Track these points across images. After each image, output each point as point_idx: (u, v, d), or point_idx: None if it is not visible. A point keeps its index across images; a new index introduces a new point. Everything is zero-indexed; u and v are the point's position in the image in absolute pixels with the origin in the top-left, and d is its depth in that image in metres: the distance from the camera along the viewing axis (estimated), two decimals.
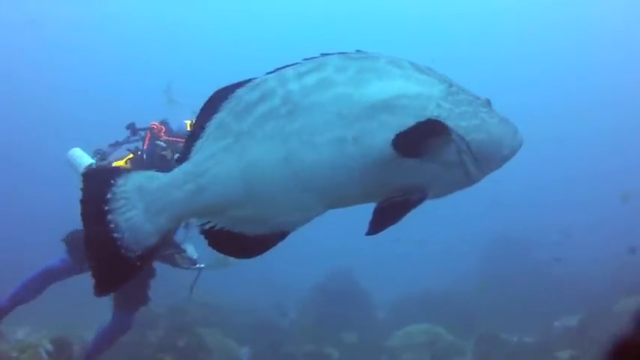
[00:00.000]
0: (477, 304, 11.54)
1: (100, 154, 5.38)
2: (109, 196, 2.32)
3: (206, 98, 2.36)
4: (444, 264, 14.98)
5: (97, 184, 2.36)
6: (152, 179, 2.34)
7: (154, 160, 5.04)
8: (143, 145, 5.23)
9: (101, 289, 2.37)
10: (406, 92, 2.21)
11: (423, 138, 2.15)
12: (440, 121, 2.17)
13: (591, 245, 13.98)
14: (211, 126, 2.30)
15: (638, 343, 0.97)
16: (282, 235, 2.32)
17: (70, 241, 5.38)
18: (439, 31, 30.03)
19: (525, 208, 18.49)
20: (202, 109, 2.34)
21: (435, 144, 2.18)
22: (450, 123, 2.20)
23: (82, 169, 5.21)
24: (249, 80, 2.32)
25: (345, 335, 9.39)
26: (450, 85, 2.29)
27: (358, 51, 2.33)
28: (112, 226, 2.30)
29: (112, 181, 2.33)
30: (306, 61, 2.29)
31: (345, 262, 12.71)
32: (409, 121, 2.16)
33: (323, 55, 2.30)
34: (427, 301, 11.59)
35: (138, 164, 5.11)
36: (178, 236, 5.21)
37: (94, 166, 2.83)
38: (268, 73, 2.31)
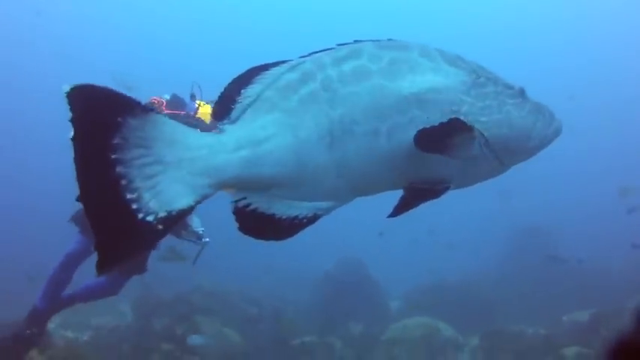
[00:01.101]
0: (491, 295, 11.42)
1: None
2: (116, 140, 1.93)
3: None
4: (462, 255, 14.85)
5: (97, 118, 1.94)
6: (188, 133, 2.08)
7: None
8: None
9: (106, 262, 1.96)
10: (434, 86, 2.25)
11: (445, 137, 2.18)
12: (463, 121, 2.21)
13: (610, 238, 13.72)
14: (249, 97, 2.23)
15: (638, 342, 0.96)
16: (312, 220, 2.27)
17: (79, 219, 5.33)
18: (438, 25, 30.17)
19: (547, 199, 18.28)
20: (233, 81, 2.26)
21: (457, 142, 2.21)
22: (470, 118, 2.25)
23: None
24: (283, 61, 2.29)
25: (351, 325, 9.33)
26: (478, 77, 2.33)
27: (390, 39, 2.35)
28: (124, 183, 1.93)
29: (120, 119, 1.94)
30: (340, 46, 2.30)
31: (357, 251, 12.62)
32: (436, 117, 2.22)
33: (356, 41, 2.31)
34: (441, 292, 11.48)
35: None
36: None
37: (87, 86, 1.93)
38: (302, 57, 2.31)
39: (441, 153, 2.22)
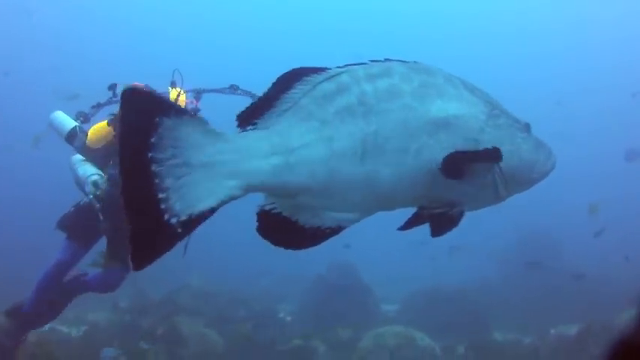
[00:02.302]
0: (485, 303, 11.35)
1: (82, 117, 5.36)
2: (153, 140, 2.01)
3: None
4: (462, 261, 14.79)
5: (140, 119, 2.03)
6: (221, 135, 2.11)
7: None
8: None
9: (140, 260, 2.02)
10: (460, 113, 2.35)
11: (470, 162, 2.33)
12: (496, 149, 2.33)
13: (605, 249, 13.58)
14: (286, 102, 2.25)
15: (639, 342, 0.94)
16: (336, 231, 2.31)
17: (66, 225, 5.30)
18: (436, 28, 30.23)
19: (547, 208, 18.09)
20: (274, 84, 2.28)
21: (479, 168, 2.36)
22: (493, 145, 2.35)
23: (67, 130, 5.22)
24: (320, 69, 2.32)
25: (340, 330, 9.29)
26: (493, 108, 2.44)
27: (416, 62, 2.43)
28: (157, 181, 1.99)
29: (158, 119, 2.02)
30: (373, 62, 2.36)
31: (354, 255, 12.58)
32: (459, 142, 2.32)
33: (386, 59, 2.38)
34: (435, 299, 11.43)
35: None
36: None
37: (136, 88, 2.09)
38: (338, 67, 2.35)
39: (461, 178, 2.32)
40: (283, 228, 2.23)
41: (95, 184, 5.03)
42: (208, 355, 7.24)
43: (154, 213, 1.98)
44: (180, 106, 2.23)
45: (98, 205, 5.01)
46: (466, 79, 2.50)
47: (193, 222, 2.02)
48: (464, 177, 2.33)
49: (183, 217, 2.00)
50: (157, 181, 1.98)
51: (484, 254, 14.99)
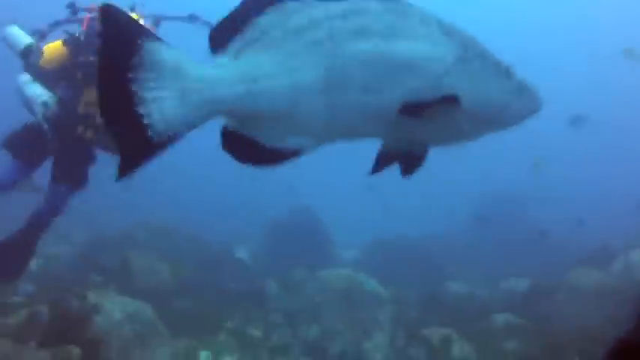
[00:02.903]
0: (443, 256, 11.51)
1: (39, 34, 5.25)
2: (135, 60, 2.11)
3: None
4: (425, 216, 14.96)
5: (122, 38, 2.11)
6: (192, 64, 2.21)
7: (94, 43, 4.88)
8: (82, 27, 5.09)
9: (126, 167, 2.14)
10: (426, 55, 2.38)
11: (430, 106, 2.35)
12: (451, 96, 2.37)
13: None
14: (256, 30, 2.32)
15: (639, 342, 0.96)
16: (295, 154, 2.40)
17: (11, 144, 5.24)
18: None
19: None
20: (243, 4, 2.33)
21: (440, 111, 2.38)
22: (454, 90, 2.39)
23: (23, 46, 5.10)
24: None
25: (294, 273, 9.33)
26: (467, 51, 2.45)
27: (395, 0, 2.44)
28: (136, 99, 2.09)
29: (140, 42, 2.11)
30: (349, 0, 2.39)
31: (316, 201, 12.66)
32: (422, 84, 2.37)
33: None
34: (394, 248, 11.56)
35: (76, 47, 4.98)
36: None
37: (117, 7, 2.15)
38: None
39: (422, 118, 2.37)
40: (245, 146, 2.34)
41: (45, 104, 4.95)
42: (158, 291, 7.25)
43: (137, 126, 2.09)
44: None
45: (47, 126, 4.96)
46: (447, 20, 2.50)
47: (174, 140, 2.15)
48: (423, 118, 2.38)
49: (166, 135, 2.12)
50: (136, 98, 2.08)
51: (450, 209, 15.16)
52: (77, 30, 5.11)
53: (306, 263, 8.53)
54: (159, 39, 2.17)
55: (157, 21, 5.34)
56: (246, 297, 7.85)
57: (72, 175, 5.22)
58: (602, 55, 23.85)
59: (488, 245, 12.31)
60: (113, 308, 5.50)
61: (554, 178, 16.37)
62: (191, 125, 2.19)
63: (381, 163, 2.61)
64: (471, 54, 2.47)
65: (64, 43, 5.03)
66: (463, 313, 8.09)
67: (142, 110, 2.09)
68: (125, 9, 5.12)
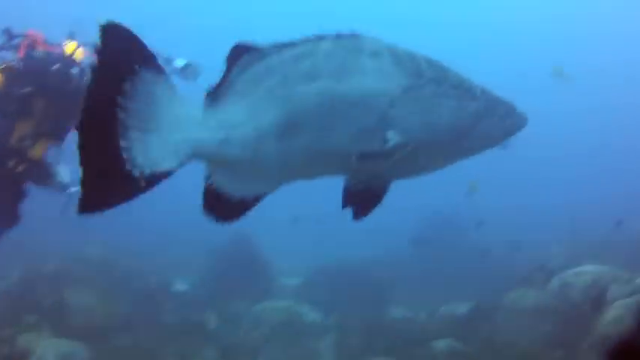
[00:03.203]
0: (386, 281, 11.53)
1: None
2: (127, 86, 2.05)
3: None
4: (367, 240, 14.99)
5: (120, 60, 2.06)
6: (182, 104, 2.27)
7: (33, 71, 4.76)
8: (19, 54, 4.95)
9: (89, 204, 2.01)
10: (371, 91, 2.40)
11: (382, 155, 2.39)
12: (402, 143, 2.38)
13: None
14: (228, 82, 2.43)
15: (638, 343, 0.95)
16: (256, 200, 2.50)
17: None
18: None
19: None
20: (225, 61, 2.43)
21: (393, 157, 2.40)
22: (396, 122, 2.40)
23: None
24: (256, 48, 2.45)
25: (234, 304, 9.23)
26: (420, 78, 2.45)
27: (351, 35, 2.48)
28: (121, 130, 2.02)
29: (138, 68, 2.08)
30: (303, 42, 2.45)
31: (258, 229, 12.56)
32: (367, 120, 2.39)
33: (318, 36, 2.46)
34: (337, 275, 11.51)
35: (11, 76, 4.83)
36: (50, 157, 4.98)
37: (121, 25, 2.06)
38: (274, 45, 2.47)
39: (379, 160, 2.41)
40: (219, 201, 2.42)
41: None
42: (94, 329, 7.10)
43: (115, 159, 2.00)
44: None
45: None
46: (402, 48, 2.52)
47: (156, 178, 2.10)
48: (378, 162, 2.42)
49: (147, 172, 2.06)
50: (121, 128, 2.00)
51: (392, 233, 15.22)
52: (14, 57, 4.99)
53: (247, 293, 8.47)
54: (159, 69, 2.17)
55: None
56: (185, 331, 7.71)
57: (2, 212, 5.07)
58: (530, 74, 24.41)
59: (428, 268, 12.38)
60: (46, 352, 5.36)
61: (491, 200, 16.69)
62: (171, 164, 2.16)
63: (347, 199, 2.63)
64: (424, 80, 2.46)
65: (1, 71, 4.89)
66: (405, 339, 8.09)
67: (123, 143, 2.01)
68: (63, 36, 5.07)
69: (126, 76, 2.03)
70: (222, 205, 2.41)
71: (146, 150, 2.06)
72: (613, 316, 6.16)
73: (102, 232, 10.45)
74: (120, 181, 2.01)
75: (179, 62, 5.30)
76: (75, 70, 4.87)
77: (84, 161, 1.97)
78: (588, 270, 7.79)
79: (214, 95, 2.39)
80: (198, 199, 2.43)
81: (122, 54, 2.06)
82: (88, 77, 2.06)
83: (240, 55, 2.42)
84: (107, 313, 7.70)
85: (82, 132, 1.98)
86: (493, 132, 2.58)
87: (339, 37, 2.45)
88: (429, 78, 2.47)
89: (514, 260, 11.35)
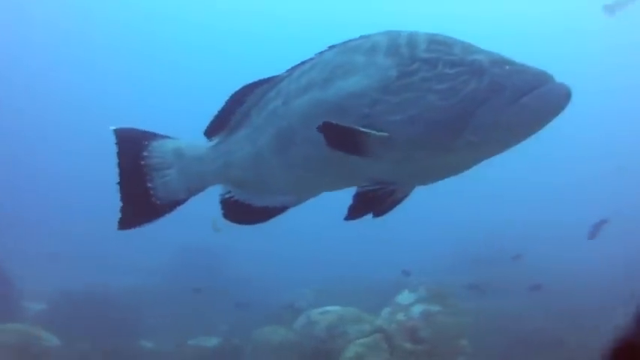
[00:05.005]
0: (138, 311, 11.29)
1: None
2: (145, 153, 2.82)
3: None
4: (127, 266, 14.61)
5: (132, 143, 2.85)
6: (188, 148, 2.89)
7: None
8: None
9: (127, 223, 2.82)
10: (354, 91, 2.36)
11: (347, 142, 2.29)
12: (361, 132, 2.25)
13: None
14: (238, 116, 2.77)
15: (638, 343, 0.95)
16: (281, 210, 2.74)
17: None
18: None
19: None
20: (228, 100, 2.78)
21: (376, 148, 2.29)
22: (380, 119, 2.27)
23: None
24: (269, 79, 2.70)
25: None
26: (410, 64, 2.27)
27: (359, 38, 2.50)
28: (147, 177, 2.81)
29: (146, 142, 2.85)
30: (306, 62, 2.59)
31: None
32: (352, 120, 2.31)
33: (320, 53, 2.57)
34: (85, 301, 11.01)
35: None
36: None
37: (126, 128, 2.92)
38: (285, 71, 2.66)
39: (356, 155, 2.31)
40: (240, 209, 2.79)
41: None
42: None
43: (145, 194, 2.82)
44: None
45: None
46: (412, 32, 2.37)
47: (173, 205, 2.86)
48: (358, 155, 2.31)
49: (166, 202, 2.83)
50: (147, 177, 2.83)
51: (145, 266, 14.98)
52: None
53: None
54: (163, 137, 2.91)
55: None
56: None
57: None
58: None
59: (180, 300, 12.28)
60: None
61: (244, 234, 17.00)
62: (188, 191, 2.87)
63: (357, 206, 2.45)
64: (417, 65, 2.26)
65: None
66: None
67: (149, 183, 2.82)
68: None
69: (141, 149, 2.85)
70: (243, 212, 2.79)
71: (166, 187, 2.83)
72: (354, 353, 6.59)
73: None
74: (150, 207, 2.84)
75: None
76: None
77: (125, 200, 2.82)
78: (333, 310, 8.22)
79: (216, 130, 2.85)
80: None
81: (135, 138, 2.87)
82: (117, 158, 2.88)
83: (247, 92, 2.75)
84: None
85: (122, 185, 2.83)
86: (502, 118, 2.14)
87: (345, 42, 2.53)
88: (422, 61, 2.25)
89: (266, 299, 11.61)
